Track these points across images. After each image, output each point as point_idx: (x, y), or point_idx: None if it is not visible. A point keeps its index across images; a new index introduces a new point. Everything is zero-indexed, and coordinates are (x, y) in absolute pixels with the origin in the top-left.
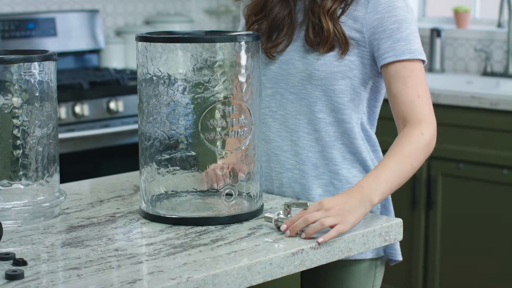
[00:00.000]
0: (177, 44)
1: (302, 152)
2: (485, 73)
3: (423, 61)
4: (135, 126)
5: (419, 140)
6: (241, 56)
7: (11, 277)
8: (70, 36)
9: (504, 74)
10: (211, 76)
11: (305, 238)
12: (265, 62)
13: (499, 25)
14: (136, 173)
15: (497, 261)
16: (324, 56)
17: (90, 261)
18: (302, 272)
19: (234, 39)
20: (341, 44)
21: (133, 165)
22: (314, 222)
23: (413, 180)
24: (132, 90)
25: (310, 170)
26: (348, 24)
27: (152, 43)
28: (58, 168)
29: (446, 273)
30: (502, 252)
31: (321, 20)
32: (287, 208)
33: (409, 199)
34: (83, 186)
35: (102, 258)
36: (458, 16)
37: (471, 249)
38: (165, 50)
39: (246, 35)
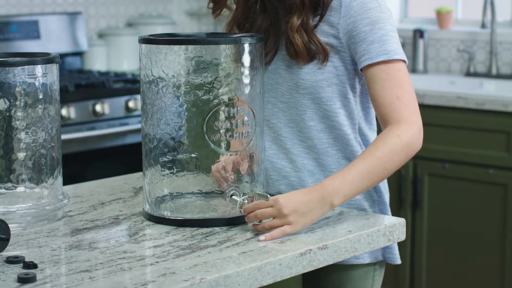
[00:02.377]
0: (182, 46)
1: (297, 160)
2: (468, 74)
3: (404, 61)
4: (121, 129)
5: (395, 142)
6: (245, 57)
7: (23, 280)
8: (53, 38)
9: (487, 75)
10: (215, 78)
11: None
12: None
13: (483, 25)
14: (133, 175)
15: (484, 260)
16: (307, 65)
17: (100, 263)
18: (303, 275)
19: (238, 41)
20: (320, 53)
21: (119, 168)
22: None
23: (399, 180)
24: (118, 93)
25: (306, 177)
26: (326, 31)
27: (156, 45)
28: (61, 170)
29: (433, 272)
30: (488, 251)
31: (289, 36)
32: (251, 197)
33: (395, 199)
34: (82, 189)
35: (112, 261)
36: (441, 17)
37: (458, 248)
38: (169, 52)
39: (250, 36)
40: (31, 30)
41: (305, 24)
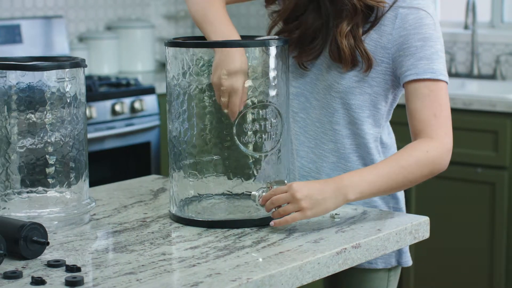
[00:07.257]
0: (208, 49)
1: (317, 161)
2: (450, 74)
3: (447, 83)
4: (108, 132)
5: (422, 156)
6: (272, 60)
7: (72, 283)
8: (36, 42)
9: (469, 75)
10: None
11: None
12: (295, 70)
13: (466, 27)
14: (148, 177)
15: (472, 259)
16: (347, 72)
17: (143, 265)
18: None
19: (266, 43)
20: (364, 61)
21: (105, 172)
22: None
23: None
24: (104, 96)
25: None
26: (375, 39)
27: (183, 48)
28: (88, 174)
29: (421, 272)
30: (477, 250)
31: (337, 41)
32: (269, 186)
33: None
34: (99, 192)
35: (153, 263)
36: None
37: (446, 247)
38: (196, 55)
39: (277, 39)
40: (14, 34)
41: (354, 31)
